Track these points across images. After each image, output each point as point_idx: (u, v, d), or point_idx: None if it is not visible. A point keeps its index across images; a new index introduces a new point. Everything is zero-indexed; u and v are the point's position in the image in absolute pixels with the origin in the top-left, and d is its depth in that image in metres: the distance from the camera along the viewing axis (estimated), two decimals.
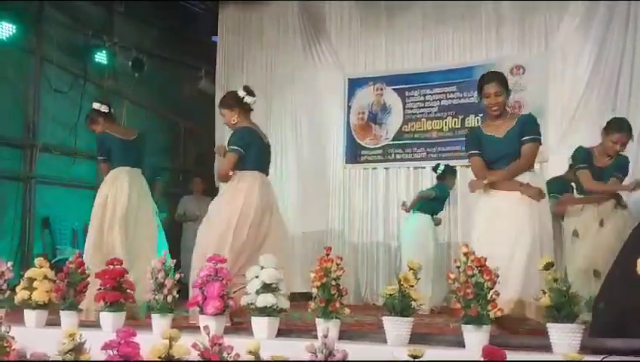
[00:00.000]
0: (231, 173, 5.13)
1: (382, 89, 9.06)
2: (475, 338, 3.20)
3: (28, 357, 3.73)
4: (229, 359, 2.97)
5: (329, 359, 2.82)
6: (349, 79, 9.26)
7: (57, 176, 9.01)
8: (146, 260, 5.28)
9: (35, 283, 4.43)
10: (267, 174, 5.22)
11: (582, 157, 5.46)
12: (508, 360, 2.76)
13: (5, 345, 3.68)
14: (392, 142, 8.95)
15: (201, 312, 3.79)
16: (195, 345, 2.99)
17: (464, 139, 5.01)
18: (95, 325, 4.22)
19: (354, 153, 9.16)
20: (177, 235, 9.14)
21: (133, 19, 10.00)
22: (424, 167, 8.63)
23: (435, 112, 8.72)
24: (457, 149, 8.06)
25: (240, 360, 3.00)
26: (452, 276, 3.36)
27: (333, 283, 3.54)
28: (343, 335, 3.60)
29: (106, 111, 5.87)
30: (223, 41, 10.08)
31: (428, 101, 8.77)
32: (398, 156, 8.89)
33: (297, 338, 3.69)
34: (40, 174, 8.90)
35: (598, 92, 7.71)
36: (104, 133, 5.81)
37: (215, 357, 2.95)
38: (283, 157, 9.30)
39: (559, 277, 3.22)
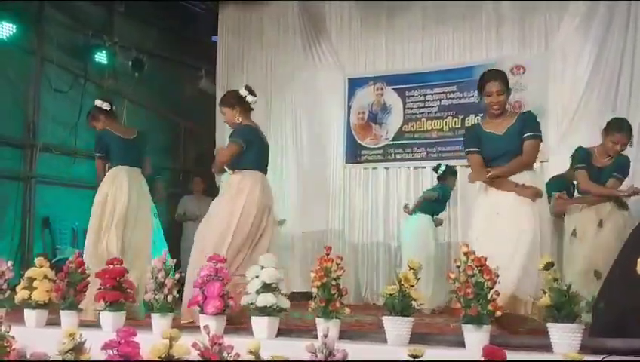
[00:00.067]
0: (231, 172, 5.13)
1: (382, 89, 9.06)
2: (476, 338, 3.20)
3: (28, 356, 3.74)
4: (229, 359, 2.97)
5: (329, 359, 2.82)
6: (349, 79, 9.26)
7: (57, 176, 9.01)
8: (144, 260, 5.33)
9: (35, 283, 4.43)
10: (266, 174, 5.24)
11: (581, 157, 5.46)
12: (508, 359, 2.76)
13: (5, 344, 3.68)
14: (392, 142, 8.95)
15: (202, 312, 3.79)
16: (195, 345, 3.00)
17: (463, 137, 5.00)
18: (95, 325, 4.22)
19: (354, 153, 9.16)
20: (177, 235, 9.14)
21: (133, 19, 10.00)
22: (424, 167, 8.63)
23: (436, 112, 8.72)
24: (457, 149, 8.05)
25: (240, 359, 3.00)
26: (452, 276, 3.36)
27: (334, 282, 3.54)
28: (343, 335, 3.59)
29: (108, 108, 5.86)
30: (223, 41, 10.08)
31: (428, 101, 8.77)
32: (398, 156, 8.89)
33: (297, 338, 3.69)
34: (40, 174, 8.90)
35: (598, 92, 7.71)
36: (104, 130, 5.80)
37: (215, 356, 2.95)
38: (283, 157, 9.30)
39: (559, 276, 3.22)
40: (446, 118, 8.63)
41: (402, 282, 3.41)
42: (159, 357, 3.00)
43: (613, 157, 5.38)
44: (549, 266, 3.30)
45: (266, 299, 3.74)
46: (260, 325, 3.73)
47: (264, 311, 3.73)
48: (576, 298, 3.16)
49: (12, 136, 8.77)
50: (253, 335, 3.70)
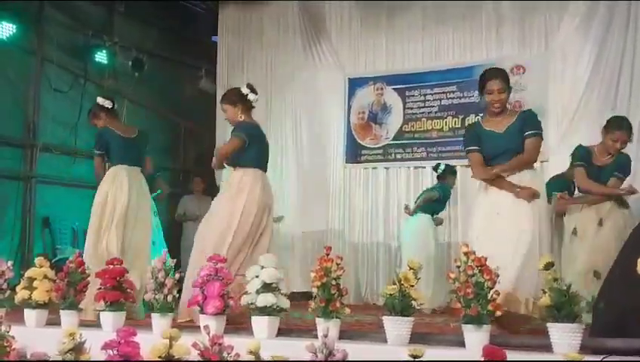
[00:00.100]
0: (232, 169, 5.13)
1: (382, 89, 9.06)
2: (476, 338, 3.20)
3: (28, 356, 3.74)
4: (229, 359, 2.98)
5: (329, 359, 2.82)
6: (349, 79, 9.26)
7: (57, 176, 9.01)
8: (144, 260, 5.34)
9: (35, 283, 4.43)
10: (265, 172, 5.24)
11: (580, 155, 5.46)
12: (508, 359, 2.76)
13: (5, 344, 3.68)
14: (392, 142, 8.95)
15: (202, 312, 3.79)
16: (195, 345, 3.00)
17: (463, 136, 5.00)
18: (95, 324, 4.22)
19: (354, 153, 9.16)
20: (177, 235, 9.15)
21: (133, 19, 10.00)
22: (424, 167, 8.63)
23: (436, 112, 8.72)
24: (458, 149, 8.04)
25: (240, 359, 3.00)
26: (452, 276, 3.36)
27: (334, 282, 3.54)
28: (343, 335, 3.59)
29: (109, 106, 5.86)
30: (223, 41, 10.08)
31: (428, 101, 8.77)
32: (398, 156, 8.89)
33: (297, 337, 3.69)
34: (40, 174, 8.90)
35: (598, 92, 7.71)
36: (105, 128, 5.78)
37: (215, 356, 2.95)
38: (283, 157, 9.30)
39: (559, 276, 3.22)
40: (446, 117, 8.63)
41: (402, 282, 3.41)
42: (159, 357, 3.01)
43: (614, 156, 5.37)
44: (549, 266, 3.30)
45: (266, 299, 3.74)
46: (260, 325, 3.73)
47: (264, 310, 3.73)
48: (577, 298, 3.16)
49: (12, 136, 8.77)
50: (253, 335, 3.70)
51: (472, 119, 8.22)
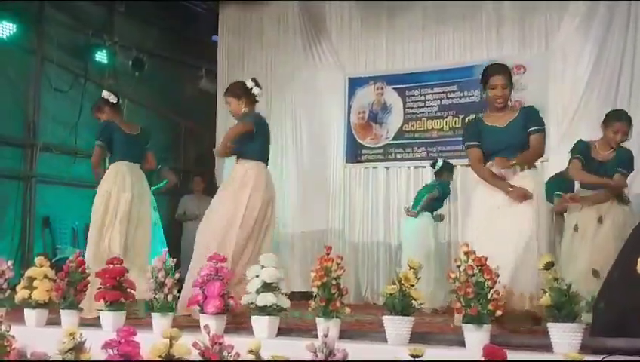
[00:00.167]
0: (235, 161, 5.13)
1: (382, 88, 9.05)
2: (476, 338, 3.20)
3: (28, 356, 3.74)
4: (229, 358, 2.97)
5: (329, 358, 2.82)
6: (349, 78, 9.25)
7: (58, 176, 9.01)
8: (145, 258, 5.35)
9: (36, 283, 4.43)
10: (267, 166, 5.26)
11: (578, 148, 5.44)
12: (508, 359, 2.75)
13: (5, 344, 3.68)
14: (392, 142, 8.95)
15: (202, 311, 3.79)
16: (195, 344, 3.00)
17: (463, 130, 5.00)
18: (95, 324, 4.22)
19: (354, 152, 9.15)
20: (177, 234, 9.15)
21: (133, 19, 10.01)
22: (424, 167, 8.61)
23: (436, 112, 8.71)
24: (458, 148, 8.03)
25: (240, 359, 3.00)
26: (452, 275, 3.36)
27: (334, 282, 3.54)
28: (344, 335, 3.59)
29: (114, 101, 5.86)
30: (224, 40, 10.08)
31: (428, 100, 8.77)
32: (398, 155, 8.89)
33: (298, 337, 3.68)
34: (40, 173, 8.91)
35: (598, 92, 7.71)
36: (109, 121, 5.77)
37: (215, 356, 2.95)
38: (283, 156, 9.30)
39: (559, 276, 3.21)
40: (446, 117, 8.63)
41: (402, 281, 3.41)
42: (159, 357, 3.01)
43: (615, 150, 5.35)
44: (549, 266, 3.30)
45: (266, 299, 3.74)
46: (261, 324, 3.73)
47: (264, 310, 3.73)
48: (577, 297, 3.16)
49: (12, 136, 8.78)
50: (253, 335, 3.70)
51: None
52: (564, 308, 3.14)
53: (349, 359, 2.88)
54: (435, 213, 7.62)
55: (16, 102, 8.80)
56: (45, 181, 8.94)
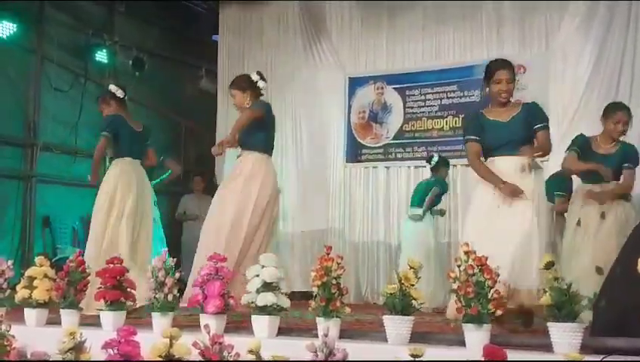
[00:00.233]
0: (239, 152, 5.13)
1: (382, 88, 9.06)
2: (476, 338, 3.19)
3: (28, 356, 3.73)
4: (229, 358, 2.97)
5: (329, 358, 2.82)
6: (349, 78, 9.25)
7: (58, 175, 9.02)
8: (146, 255, 5.35)
9: (36, 282, 4.42)
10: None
11: (578, 142, 5.42)
12: (508, 359, 2.75)
13: (6, 343, 3.68)
14: (392, 141, 8.95)
15: (202, 311, 3.79)
16: (195, 344, 2.99)
17: (464, 124, 5.01)
18: (95, 323, 4.22)
19: (354, 152, 9.16)
20: (177, 234, 9.15)
21: (134, 19, 10.02)
22: (425, 166, 8.58)
23: (436, 111, 8.72)
24: (458, 148, 8.04)
25: (240, 359, 3.00)
26: (452, 275, 3.36)
27: (334, 282, 3.53)
28: (344, 334, 3.59)
29: (121, 96, 5.86)
30: (224, 40, 10.08)
31: (429, 100, 8.77)
32: (398, 155, 8.89)
33: (298, 337, 3.68)
34: (40, 173, 8.91)
35: (598, 92, 7.71)
36: (117, 115, 5.74)
37: (215, 356, 2.95)
38: (283, 156, 9.29)
39: (560, 275, 3.21)
40: (446, 117, 8.64)
41: (403, 281, 3.41)
42: (159, 357, 3.00)
43: (618, 144, 5.33)
44: (549, 265, 3.30)
45: (266, 298, 3.73)
46: (261, 324, 3.72)
47: (264, 310, 3.73)
48: (577, 297, 3.16)
49: (12, 135, 8.78)
50: (253, 335, 3.70)
51: None
52: (564, 307, 3.13)
53: (349, 359, 2.87)
54: (434, 208, 7.62)
55: (17, 102, 8.80)
56: (45, 181, 8.94)
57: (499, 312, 3.25)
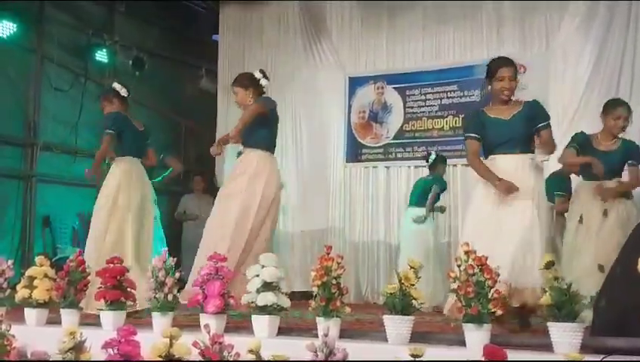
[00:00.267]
0: (242, 150, 5.15)
1: (382, 87, 9.06)
2: (476, 337, 3.19)
3: (28, 355, 3.73)
4: (229, 358, 2.97)
5: (330, 358, 2.82)
6: (349, 78, 9.25)
7: (58, 175, 9.02)
8: (149, 252, 5.36)
9: (36, 282, 4.43)
10: None
11: (577, 139, 5.40)
12: (509, 359, 2.75)
13: (6, 343, 3.68)
14: (392, 141, 8.95)
15: (202, 311, 3.79)
16: (195, 344, 2.99)
17: (464, 121, 5.01)
18: (95, 323, 4.22)
19: (355, 152, 9.16)
20: (177, 234, 9.15)
21: (134, 19, 10.02)
22: (425, 166, 8.60)
23: (436, 111, 8.72)
24: (458, 148, 8.05)
25: (240, 359, 3.00)
26: (453, 275, 3.36)
27: (334, 281, 3.53)
28: (344, 334, 3.59)
29: (125, 95, 5.85)
30: (224, 40, 10.08)
31: (429, 100, 8.77)
32: (398, 155, 8.90)
33: (298, 337, 3.68)
34: (41, 173, 8.91)
35: (598, 92, 7.70)
36: (121, 113, 5.73)
37: (215, 356, 2.95)
38: (283, 156, 9.27)
39: (560, 275, 3.21)
40: (447, 116, 8.64)
41: (403, 281, 3.41)
42: (159, 356, 3.00)
43: (619, 141, 5.32)
44: (549, 265, 3.29)
45: (267, 298, 3.74)
46: (261, 324, 3.72)
47: (264, 309, 3.73)
48: (577, 297, 3.16)
49: (12, 135, 8.78)
50: (253, 334, 3.70)
51: None
52: (564, 307, 3.13)
53: (350, 358, 2.87)
54: (434, 206, 7.62)
55: (17, 102, 8.81)
56: (45, 180, 8.94)
57: (499, 312, 3.25)
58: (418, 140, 8.79)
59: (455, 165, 8.17)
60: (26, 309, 4.42)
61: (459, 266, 3.33)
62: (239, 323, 4.05)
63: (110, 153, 5.78)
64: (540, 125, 4.47)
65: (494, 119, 4.51)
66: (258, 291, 3.77)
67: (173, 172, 7.30)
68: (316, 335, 3.27)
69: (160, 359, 3.00)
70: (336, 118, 9.28)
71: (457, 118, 8.51)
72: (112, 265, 4.19)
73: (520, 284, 4.13)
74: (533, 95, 7.85)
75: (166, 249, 4.34)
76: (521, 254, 4.19)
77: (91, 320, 4.36)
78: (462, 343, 3.29)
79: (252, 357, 2.96)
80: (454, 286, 3.34)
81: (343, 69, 9.29)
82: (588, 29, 7.85)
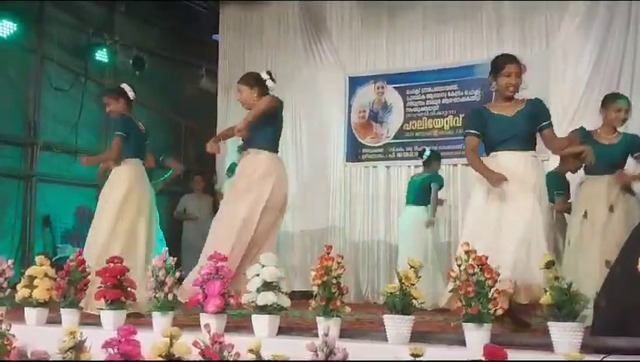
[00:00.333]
0: (245, 152, 5.15)
1: (383, 87, 9.06)
2: (476, 337, 3.19)
3: (28, 355, 3.73)
4: (229, 357, 2.97)
5: (330, 358, 2.82)
6: (349, 77, 9.26)
7: (58, 175, 9.02)
8: (151, 253, 5.37)
9: (36, 281, 4.43)
10: None
11: (580, 134, 5.42)
12: (509, 359, 2.75)
13: (6, 343, 3.68)
14: (392, 141, 8.96)
15: (202, 310, 3.79)
16: (195, 344, 2.99)
17: (466, 117, 5.01)
18: (96, 323, 4.22)
19: (355, 151, 9.16)
20: (177, 234, 9.15)
21: (134, 19, 10.02)
22: None
23: (436, 111, 8.72)
24: (458, 148, 8.05)
25: (240, 359, 3.00)
26: (453, 274, 3.36)
27: (334, 281, 3.53)
28: (344, 334, 3.59)
29: (132, 97, 5.85)
30: (224, 40, 10.09)
31: (429, 99, 8.78)
32: (399, 155, 8.90)
33: (298, 336, 3.67)
34: (41, 172, 8.91)
35: (598, 92, 7.67)
36: (129, 116, 5.73)
37: (216, 355, 2.95)
38: (283, 156, 9.11)
39: (560, 274, 3.21)
40: (447, 116, 8.64)
41: (403, 281, 3.41)
42: (160, 356, 3.00)
43: (621, 134, 5.30)
44: (549, 265, 3.29)
45: (267, 298, 3.73)
46: (261, 323, 3.72)
47: (265, 309, 3.73)
48: (578, 296, 3.16)
49: (13, 135, 8.78)
50: (253, 334, 3.70)
51: None
52: (564, 307, 3.13)
53: (350, 358, 2.87)
54: (428, 205, 7.61)
55: (17, 101, 8.81)
56: (46, 180, 8.94)
57: (499, 312, 3.25)
58: (418, 140, 8.78)
59: (455, 165, 8.18)
60: (26, 309, 4.41)
61: (459, 266, 3.33)
62: (239, 323, 4.05)
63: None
64: (543, 124, 4.49)
65: (497, 116, 4.52)
66: (258, 291, 3.77)
67: (174, 173, 7.32)
68: (316, 335, 3.27)
69: (160, 359, 3.00)
70: (336, 118, 9.29)
71: (457, 118, 8.52)
72: (112, 265, 4.19)
73: (526, 281, 4.12)
74: (534, 95, 7.84)
75: (166, 248, 4.34)
76: (525, 250, 4.19)
77: (91, 320, 4.36)
78: (462, 343, 3.28)
79: (252, 356, 2.96)
80: (452, 285, 3.34)
81: (343, 69, 9.29)
82: (588, 29, 7.86)
